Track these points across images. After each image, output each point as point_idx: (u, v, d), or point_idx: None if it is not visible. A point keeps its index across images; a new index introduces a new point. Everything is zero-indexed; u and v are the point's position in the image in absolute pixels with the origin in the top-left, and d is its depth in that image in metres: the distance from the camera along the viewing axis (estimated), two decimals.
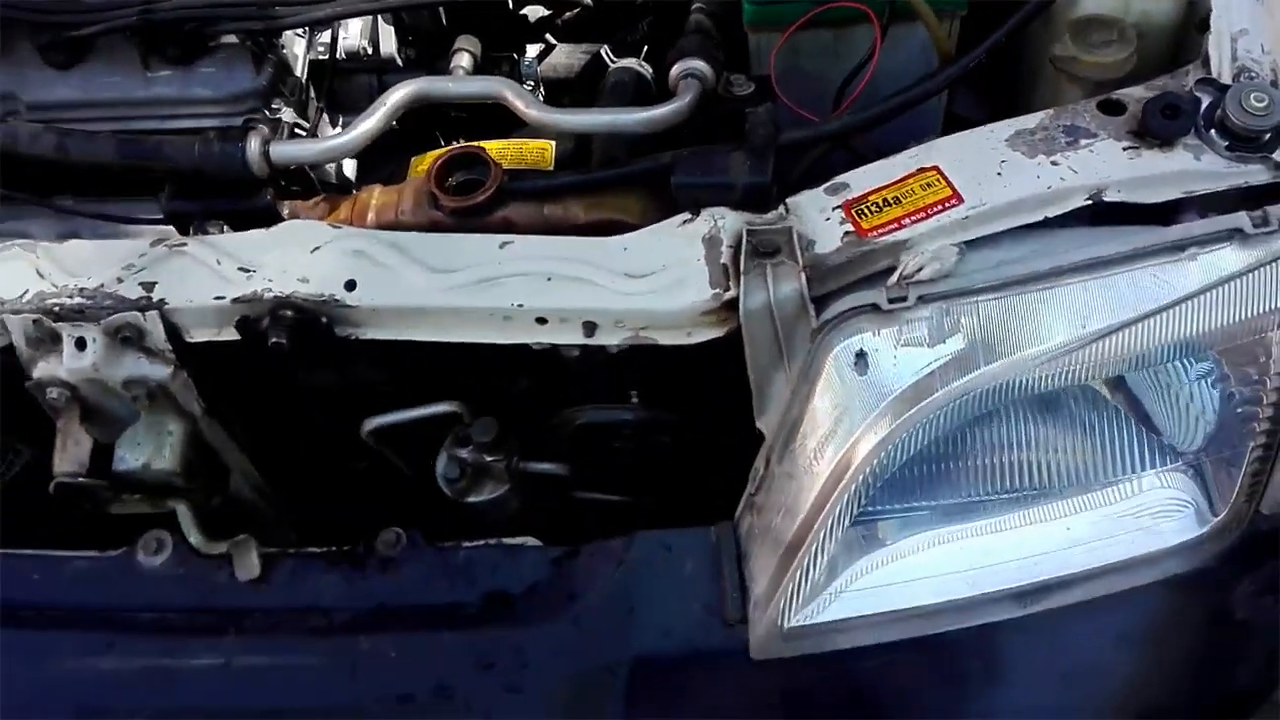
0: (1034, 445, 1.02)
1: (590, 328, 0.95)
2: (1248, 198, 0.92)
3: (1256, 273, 0.87)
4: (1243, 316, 0.88)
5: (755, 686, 0.98)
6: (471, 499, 1.14)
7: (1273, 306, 0.88)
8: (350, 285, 0.95)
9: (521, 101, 1.01)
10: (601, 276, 0.94)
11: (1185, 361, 0.92)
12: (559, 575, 1.03)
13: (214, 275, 0.96)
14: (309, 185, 1.18)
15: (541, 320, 0.95)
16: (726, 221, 0.95)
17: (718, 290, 0.92)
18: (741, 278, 0.91)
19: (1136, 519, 0.98)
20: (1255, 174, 0.92)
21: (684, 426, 1.06)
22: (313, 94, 1.18)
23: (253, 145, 0.99)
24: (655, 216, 0.98)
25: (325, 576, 1.04)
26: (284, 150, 1.01)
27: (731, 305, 0.92)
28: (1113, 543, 0.97)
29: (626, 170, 0.99)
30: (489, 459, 1.10)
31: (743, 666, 0.98)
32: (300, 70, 1.17)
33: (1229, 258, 0.88)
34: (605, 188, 1.01)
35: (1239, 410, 0.93)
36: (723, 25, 1.13)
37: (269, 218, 1.02)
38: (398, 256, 0.96)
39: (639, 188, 1.01)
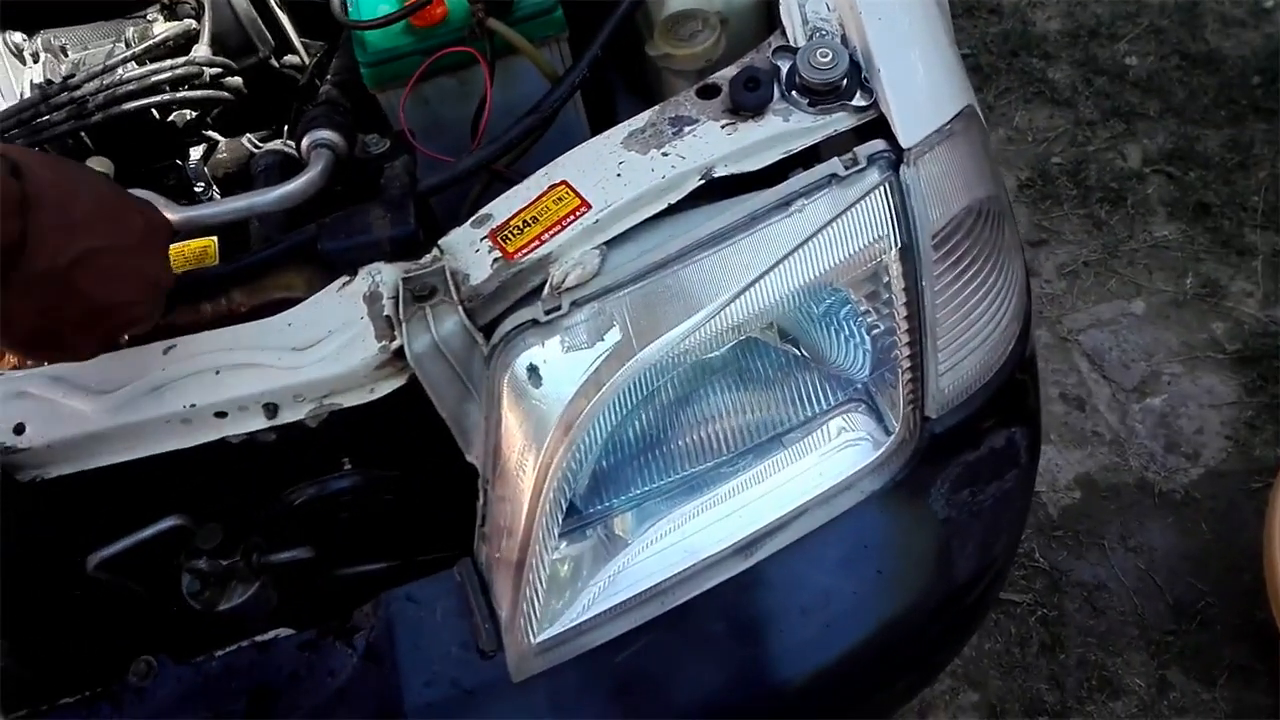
0: (732, 411, 1.09)
1: (272, 409, 0.96)
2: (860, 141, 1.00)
3: (854, 209, 0.96)
4: (855, 248, 0.97)
5: (524, 707, 1.00)
6: (223, 607, 1.12)
7: (876, 235, 0.97)
8: (19, 429, 0.94)
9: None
10: (268, 357, 0.95)
11: (815, 299, 1.00)
12: (316, 657, 1.03)
13: None
14: None
15: (221, 414, 0.95)
16: (384, 275, 0.98)
17: (384, 342, 0.94)
18: (403, 324, 0.94)
19: (829, 455, 1.06)
20: (841, 121, 1.00)
21: (404, 481, 1.08)
22: None
23: None
24: (321, 284, 1.00)
25: None
26: None
27: (401, 354, 0.94)
28: (811, 481, 1.04)
29: (275, 249, 1.01)
30: (226, 563, 1.10)
31: (508, 691, 1.00)
32: None
33: (830, 200, 0.97)
34: (262, 271, 1.02)
35: (878, 330, 1.01)
36: (353, 91, 1.16)
37: None
38: (62, 388, 0.95)
39: (299, 263, 1.03)
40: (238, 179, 1.27)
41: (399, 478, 1.08)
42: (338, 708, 1.01)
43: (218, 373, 0.95)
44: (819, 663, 1.03)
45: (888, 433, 1.05)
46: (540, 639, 1.01)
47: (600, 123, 1.25)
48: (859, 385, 1.08)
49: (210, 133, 1.29)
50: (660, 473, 1.09)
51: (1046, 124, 2.70)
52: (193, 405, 0.94)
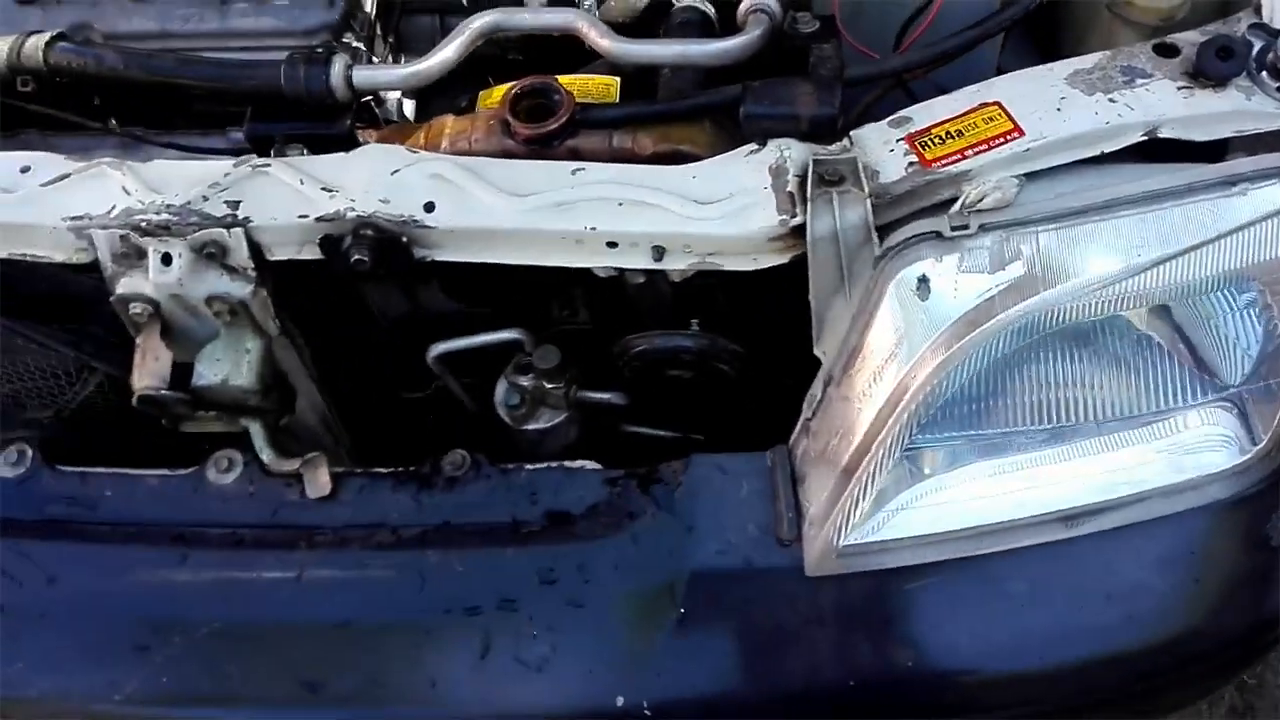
0: (1074, 383, 1.05)
1: (659, 252, 0.98)
2: None
3: None
4: None
5: (808, 601, 1.02)
6: (529, 426, 1.17)
7: None
8: (429, 207, 0.98)
9: (596, 32, 1.04)
10: (671, 202, 0.97)
11: (1230, 292, 0.95)
12: (618, 496, 1.06)
13: (297, 195, 0.99)
14: (371, 120, 1.22)
15: (612, 244, 0.98)
16: (792, 152, 0.98)
17: (785, 216, 0.95)
18: (809, 204, 0.94)
19: (1179, 451, 1.02)
20: None
21: (743, 355, 1.09)
22: (379, 31, 1.21)
23: (336, 69, 1.02)
24: (721, 149, 1.01)
25: (393, 495, 1.08)
26: (366, 75, 1.04)
27: (798, 232, 0.95)
28: (1155, 471, 1.01)
29: (696, 102, 1.02)
30: (549, 386, 1.14)
31: (796, 582, 1.01)
32: (370, 7, 1.20)
33: (1277, 193, 0.91)
34: (673, 120, 1.04)
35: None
36: None
37: (348, 143, 1.05)
38: (474, 180, 0.99)
39: (705, 120, 1.04)
40: (623, 29, 1.28)
41: (739, 352, 1.09)
42: (629, 547, 1.05)
43: (620, 204, 0.97)
44: (1111, 650, 1.01)
45: (1254, 443, 1.00)
46: (845, 543, 1.01)
47: None
48: (1226, 389, 1.03)
49: None
50: (984, 427, 1.07)
51: None
52: (592, 228, 0.97)
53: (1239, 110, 0.95)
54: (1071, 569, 1.01)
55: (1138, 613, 1.01)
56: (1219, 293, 0.97)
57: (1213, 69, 0.95)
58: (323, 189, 0.99)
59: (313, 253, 0.99)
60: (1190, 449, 1.02)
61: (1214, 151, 0.97)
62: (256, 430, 1.07)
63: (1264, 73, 0.96)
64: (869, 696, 1.03)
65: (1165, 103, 0.95)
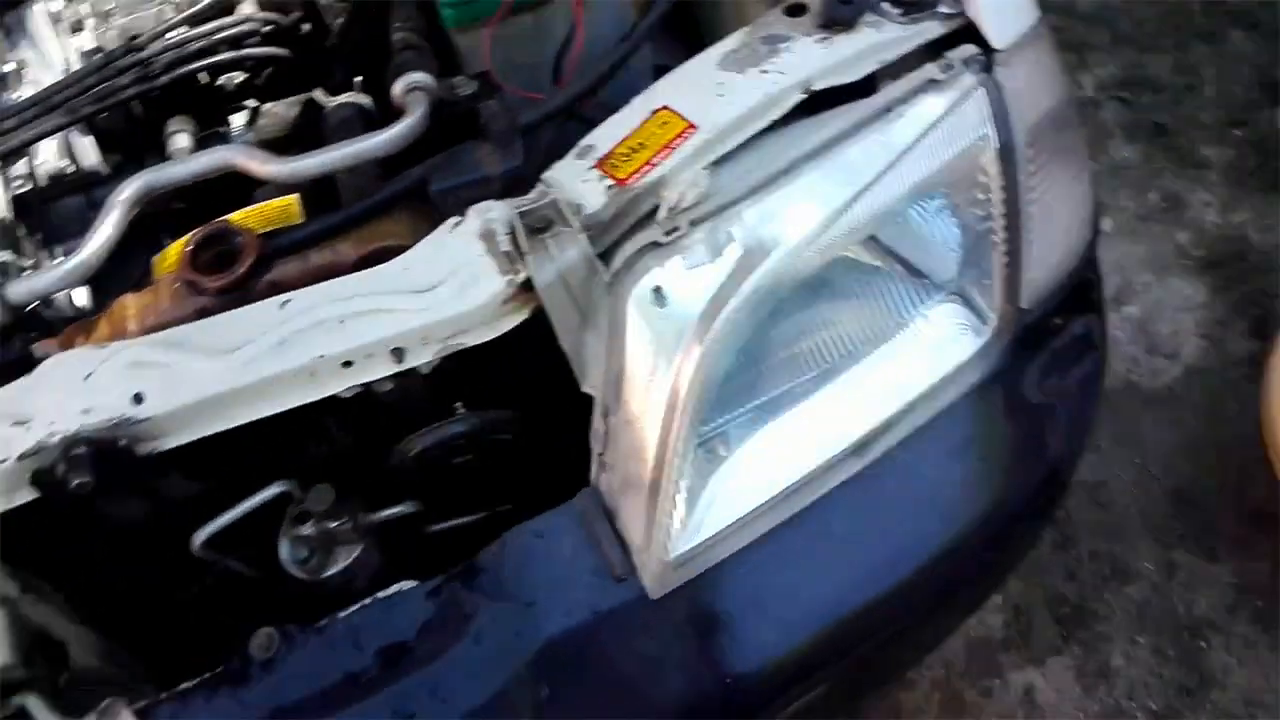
0: (821, 326, 1.12)
1: (399, 354, 0.94)
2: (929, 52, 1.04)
3: (959, 109, 0.99)
4: (958, 149, 1.00)
5: (663, 621, 1.02)
6: (329, 572, 1.10)
7: (979, 135, 1.00)
8: (138, 398, 0.90)
9: (256, 162, 0.98)
10: (394, 301, 0.94)
11: (921, 204, 1.03)
12: (446, 604, 1.02)
13: None
14: (42, 326, 1.10)
15: (347, 364, 0.94)
16: (495, 213, 0.97)
17: (509, 276, 0.94)
18: (526, 257, 0.93)
19: (928, 351, 1.10)
20: (931, 29, 1.03)
21: (519, 418, 1.08)
22: (23, 231, 1.09)
23: None
24: (423, 232, 0.99)
25: (210, 704, 0.98)
26: (25, 288, 0.94)
27: (527, 286, 0.94)
28: (915, 378, 1.08)
29: (383, 196, 0.99)
30: (334, 525, 1.07)
31: (646, 609, 1.01)
32: (3, 209, 1.08)
33: (930, 104, 0.99)
34: (366, 220, 1.00)
35: (976, 230, 1.05)
36: (424, 38, 1.14)
37: (26, 364, 0.94)
38: (178, 353, 0.92)
39: (400, 210, 1.02)
40: (283, 143, 1.23)
41: (513, 416, 1.07)
42: (474, 648, 1.01)
43: (342, 322, 0.93)
44: (941, 547, 1.07)
45: (985, 324, 1.09)
46: (675, 554, 1.02)
47: None
48: (947, 286, 1.12)
49: (248, 100, 1.25)
50: (756, 394, 1.11)
51: None
52: (321, 356, 0.92)
53: (874, 44, 1.02)
54: (878, 492, 1.06)
55: (948, 508, 1.08)
56: (911, 208, 1.05)
57: (840, 14, 1.02)
58: (15, 424, 0.88)
59: (28, 494, 0.89)
60: (937, 347, 1.10)
61: (866, 87, 1.04)
62: (35, 703, 0.94)
63: (885, 3, 1.04)
64: (750, 683, 1.04)
65: (810, 59, 1.01)
